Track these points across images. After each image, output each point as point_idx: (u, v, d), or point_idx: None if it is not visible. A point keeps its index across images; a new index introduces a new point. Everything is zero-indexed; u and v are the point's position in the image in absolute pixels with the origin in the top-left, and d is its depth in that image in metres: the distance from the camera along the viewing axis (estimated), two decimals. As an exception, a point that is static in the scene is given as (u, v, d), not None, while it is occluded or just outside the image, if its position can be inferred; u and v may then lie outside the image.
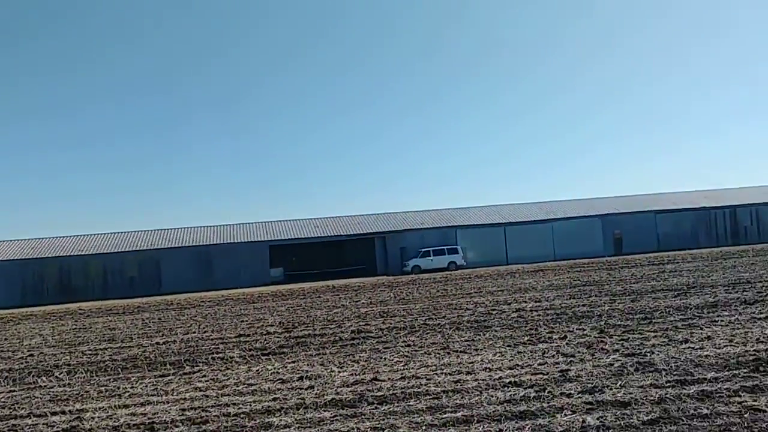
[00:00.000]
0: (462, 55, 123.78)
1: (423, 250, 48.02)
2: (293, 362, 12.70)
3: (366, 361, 12.18)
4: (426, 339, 14.18)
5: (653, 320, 14.29)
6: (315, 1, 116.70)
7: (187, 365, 13.34)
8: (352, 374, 10.96)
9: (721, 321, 13.43)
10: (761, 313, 13.98)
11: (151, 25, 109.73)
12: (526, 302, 19.92)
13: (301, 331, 17.32)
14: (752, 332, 11.80)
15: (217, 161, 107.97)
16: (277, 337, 16.35)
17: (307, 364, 12.30)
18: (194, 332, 18.87)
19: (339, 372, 11.27)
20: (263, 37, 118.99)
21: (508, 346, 12.51)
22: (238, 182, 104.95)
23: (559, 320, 15.44)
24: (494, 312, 17.98)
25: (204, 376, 12.00)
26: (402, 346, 13.46)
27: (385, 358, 12.24)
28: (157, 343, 16.98)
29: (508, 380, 9.45)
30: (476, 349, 12.36)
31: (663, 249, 51.11)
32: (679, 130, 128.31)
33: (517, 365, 10.54)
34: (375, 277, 44.51)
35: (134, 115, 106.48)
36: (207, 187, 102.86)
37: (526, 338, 13.23)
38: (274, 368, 12.17)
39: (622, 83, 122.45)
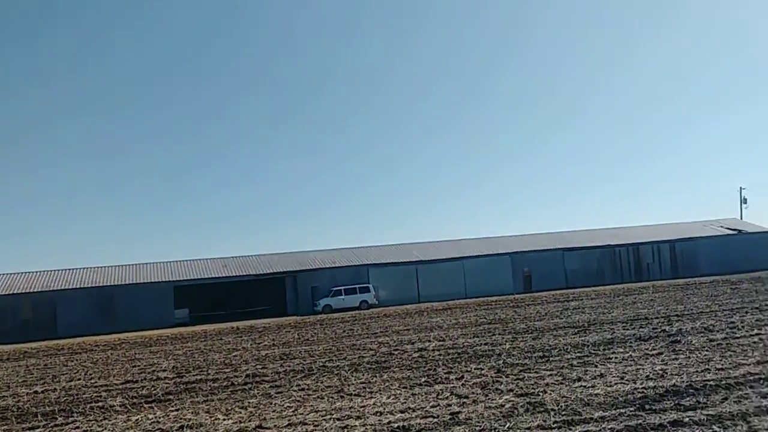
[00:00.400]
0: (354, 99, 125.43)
1: (334, 289, 47.42)
2: (177, 410, 11.94)
3: (255, 407, 11.56)
4: (322, 382, 13.66)
5: (551, 358, 14.24)
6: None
7: (60, 416, 12.34)
8: (237, 422, 10.35)
9: (616, 358, 13.48)
10: (654, 350, 14.13)
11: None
12: (430, 341, 19.68)
13: (193, 376, 16.47)
14: (643, 369, 11.85)
15: (118, 203, 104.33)
16: (167, 383, 15.46)
17: (192, 412, 11.58)
18: (79, 379, 17.68)
19: (223, 420, 10.63)
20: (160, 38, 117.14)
21: (404, 387, 12.15)
22: (140, 223, 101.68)
23: (459, 360, 15.22)
24: (396, 352, 17.62)
25: (77, 428, 11.10)
26: (295, 391, 12.90)
27: (275, 404, 11.67)
28: (36, 392, 15.77)
29: (397, 425, 9.08)
30: (371, 392, 11.94)
31: (571, 286, 52.23)
32: (586, 172, 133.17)
33: (410, 408, 10.18)
34: (285, 317, 43.53)
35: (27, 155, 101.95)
36: (107, 229, 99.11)
37: (423, 379, 12.90)
38: (156, 417, 11.39)
39: (537, 135, 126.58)
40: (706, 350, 13.46)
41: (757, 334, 15.05)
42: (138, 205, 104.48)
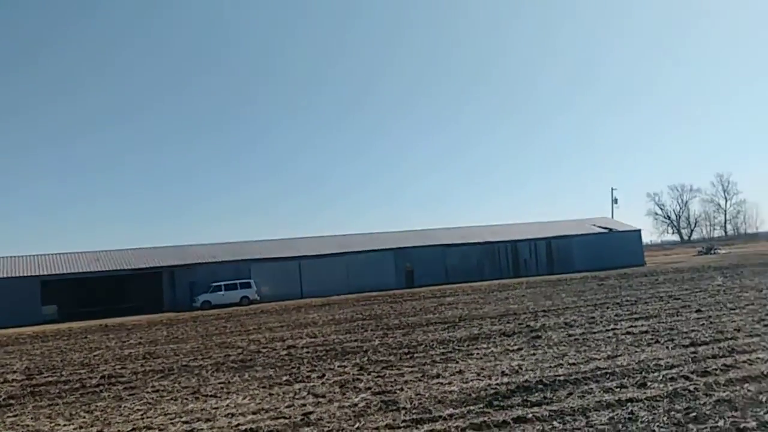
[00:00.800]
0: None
1: (214, 284, 46.25)
2: (16, 416, 11.09)
3: (102, 411, 10.89)
4: (179, 383, 13.08)
5: (415, 355, 14.25)
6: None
7: None
8: (78, 428, 9.69)
9: (478, 354, 13.64)
10: (515, 345, 14.40)
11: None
12: (301, 338, 19.39)
13: (44, 378, 15.44)
14: (501, 365, 12.01)
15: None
16: (12, 386, 14.41)
17: (32, 418, 10.78)
18: None
19: (64, 426, 9.94)
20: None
21: (264, 387, 11.78)
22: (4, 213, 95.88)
23: (325, 357, 14.99)
24: (264, 350, 17.21)
25: None
26: (149, 392, 12.28)
27: (124, 407, 11.03)
28: None
29: (246, 427, 8.74)
30: (228, 393, 11.51)
31: (451, 281, 53.25)
32: (467, 168, 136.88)
33: (263, 409, 9.84)
34: (161, 314, 41.97)
35: None
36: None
37: (285, 378, 12.57)
38: (-11, 424, 10.52)
39: (415, 135, 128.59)
40: (564, 345, 13.83)
41: (612, 329, 15.63)
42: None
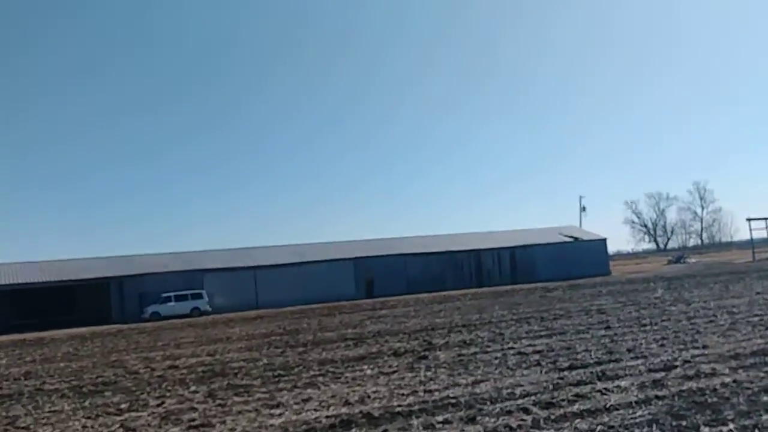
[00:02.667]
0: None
1: (164, 295, 44.98)
2: None
3: None
4: (8, 411, 11.88)
5: (288, 377, 13.14)
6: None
7: None
8: None
9: (348, 377, 12.51)
10: (394, 367, 13.29)
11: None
12: (199, 356, 18.25)
13: None
14: (357, 392, 10.88)
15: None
16: None
17: None
18: None
19: None
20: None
21: (89, 417, 10.60)
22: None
23: (189, 381, 13.74)
24: (142, 371, 15.99)
25: None
26: (-33, 422, 11.10)
27: None
28: None
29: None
30: (47, 423, 10.34)
31: (413, 291, 52.03)
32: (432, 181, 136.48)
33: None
34: (109, 325, 40.54)
35: None
36: None
37: (122, 405, 11.38)
38: None
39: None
40: (443, 368, 12.71)
41: (509, 348, 14.56)
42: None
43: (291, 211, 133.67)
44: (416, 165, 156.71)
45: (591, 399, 8.88)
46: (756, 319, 16.09)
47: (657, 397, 8.68)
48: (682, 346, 12.80)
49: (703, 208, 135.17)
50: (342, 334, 21.15)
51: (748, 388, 8.73)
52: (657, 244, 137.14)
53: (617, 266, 75.14)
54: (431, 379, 11.51)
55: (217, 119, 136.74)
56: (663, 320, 17.43)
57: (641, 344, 13.52)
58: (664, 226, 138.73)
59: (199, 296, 46.00)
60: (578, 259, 57.81)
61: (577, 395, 9.15)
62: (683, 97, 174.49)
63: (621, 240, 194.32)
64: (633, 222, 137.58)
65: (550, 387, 9.92)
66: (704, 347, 12.48)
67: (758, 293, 23.23)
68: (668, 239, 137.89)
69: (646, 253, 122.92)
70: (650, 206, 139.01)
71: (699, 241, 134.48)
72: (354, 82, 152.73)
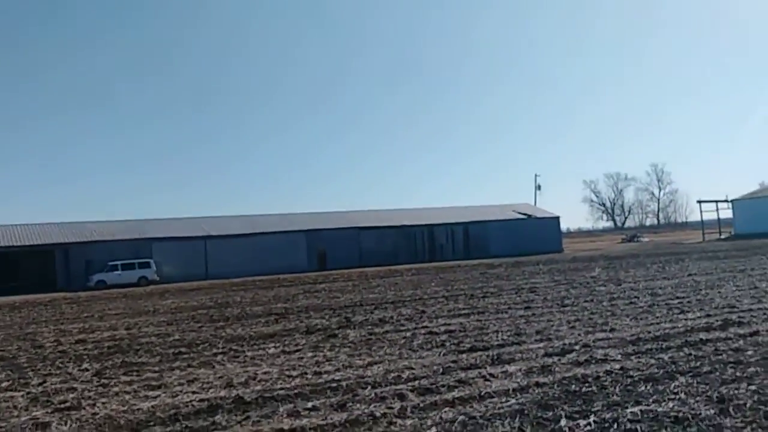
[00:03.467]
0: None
1: (111, 263, 44.19)
2: None
3: None
4: None
5: (189, 354, 12.74)
6: None
7: None
8: None
9: (248, 356, 12.12)
10: (300, 345, 12.95)
11: None
12: (115, 330, 17.72)
13: None
14: (249, 372, 10.49)
15: None
16: None
17: None
18: None
19: None
20: None
21: (-41, 397, 10.09)
22: None
23: (93, 358, 13.27)
24: (47, 345, 15.47)
25: None
26: None
27: None
28: None
29: None
30: None
31: (365, 264, 51.80)
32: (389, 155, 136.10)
33: None
34: (54, 293, 39.58)
35: None
36: None
37: (5, 384, 10.89)
38: None
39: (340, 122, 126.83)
40: (347, 347, 12.38)
41: (422, 327, 14.30)
42: None
43: (244, 182, 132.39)
44: (371, 140, 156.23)
45: (472, 385, 8.59)
46: (676, 302, 15.99)
47: (538, 384, 8.41)
48: (590, 329, 12.61)
49: (660, 189, 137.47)
50: (269, 308, 20.77)
51: (630, 377, 8.50)
52: (615, 223, 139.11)
53: (573, 244, 75.86)
54: (329, 360, 11.17)
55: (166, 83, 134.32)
56: (586, 301, 17.30)
57: (552, 326, 13.32)
58: (622, 206, 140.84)
59: (146, 265, 45.32)
60: (531, 236, 58.07)
61: (460, 381, 8.86)
62: (646, 81, 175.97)
63: (580, 218, 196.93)
64: (592, 201, 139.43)
65: (440, 371, 9.62)
66: (611, 330, 12.30)
67: (690, 275, 23.29)
68: (626, 218, 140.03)
69: (603, 232, 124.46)
70: (609, 186, 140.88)
71: (655, 221, 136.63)
72: (300, 54, 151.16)
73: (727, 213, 74.13)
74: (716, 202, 74.16)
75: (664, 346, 10.42)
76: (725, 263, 28.47)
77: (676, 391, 7.61)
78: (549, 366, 9.47)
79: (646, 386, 7.93)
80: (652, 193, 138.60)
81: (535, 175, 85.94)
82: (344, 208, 63.80)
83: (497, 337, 12.42)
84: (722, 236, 69.63)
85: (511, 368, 9.45)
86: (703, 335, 11.17)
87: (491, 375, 9.11)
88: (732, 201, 73.16)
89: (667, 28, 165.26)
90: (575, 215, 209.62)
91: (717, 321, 12.57)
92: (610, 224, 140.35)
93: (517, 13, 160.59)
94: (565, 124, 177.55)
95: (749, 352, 9.50)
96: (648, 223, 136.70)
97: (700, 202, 72.44)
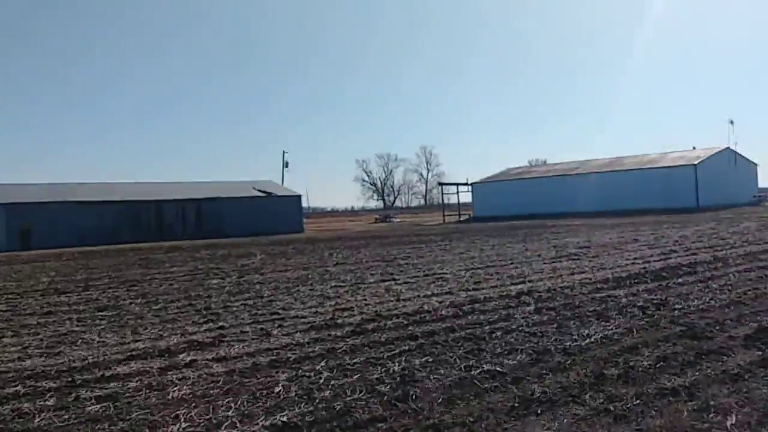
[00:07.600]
0: None
1: None
2: None
3: None
4: None
5: None
6: None
7: None
8: None
9: None
10: None
11: None
12: None
13: None
14: None
15: None
16: None
17: None
18: None
19: None
20: None
21: None
22: None
23: None
24: None
25: None
26: None
27: None
28: None
29: None
30: None
31: (83, 244, 46.28)
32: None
33: None
34: None
35: None
36: None
37: None
38: None
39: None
40: None
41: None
42: None
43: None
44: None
45: None
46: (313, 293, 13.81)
47: None
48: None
49: (428, 171, 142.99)
50: None
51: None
52: (384, 203, 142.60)
53: (329, 224, 75.09)
54: None
55: None
56: (206, 297, 14.42)
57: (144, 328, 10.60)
58: (392, 186, 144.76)
59: None
60: (271, 215, 55.74)
61: None
62: (423, 68, 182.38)
63: (351, 197, 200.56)
64: (363, 180, 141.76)
65: None
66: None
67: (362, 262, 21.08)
68: (395, 198, 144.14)
69: (371, 211, 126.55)
70: (380, 166, 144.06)
71: (423, 202, 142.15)
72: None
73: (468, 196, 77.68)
74: (457, 185, 77.30)
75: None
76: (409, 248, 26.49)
77: None
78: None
79: None
80: (421, 175, 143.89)
81: (284, 152, 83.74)
82: (57, 180, 57.00)
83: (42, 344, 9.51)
84: (461, 219, 72.30)
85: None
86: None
87: None
88: (471, 184, 76.49)
89: (441, 19, 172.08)
90: (348, 194, 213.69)
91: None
92: (380, 204, 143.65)
93: None
94: (338, 105, 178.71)
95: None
96: (414, 203, 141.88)
97: (441, 184, 75.03)
